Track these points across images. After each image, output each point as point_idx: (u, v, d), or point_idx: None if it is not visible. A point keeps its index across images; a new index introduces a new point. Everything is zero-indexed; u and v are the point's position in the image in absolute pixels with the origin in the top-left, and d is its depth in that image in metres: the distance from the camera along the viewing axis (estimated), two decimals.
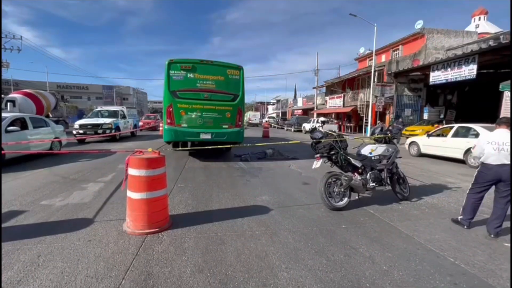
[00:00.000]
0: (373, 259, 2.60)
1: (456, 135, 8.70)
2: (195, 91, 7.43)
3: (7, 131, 6.83)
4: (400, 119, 19.39)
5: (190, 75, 7.39)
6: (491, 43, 12.43)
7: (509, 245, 2.96)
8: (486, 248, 2.90)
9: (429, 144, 9.55)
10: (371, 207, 4.11)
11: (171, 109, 7.33)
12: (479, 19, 31.31)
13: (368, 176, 4.14)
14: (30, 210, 3.70)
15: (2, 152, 6.25)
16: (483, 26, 29.58)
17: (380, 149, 4.37)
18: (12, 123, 7.18)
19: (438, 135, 9.52)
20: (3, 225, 3.19)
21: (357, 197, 4.35)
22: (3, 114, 7.67)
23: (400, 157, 4.71)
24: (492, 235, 3.15)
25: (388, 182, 4.34)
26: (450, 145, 8.68)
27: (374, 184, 4.13)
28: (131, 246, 2.74)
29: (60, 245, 2.73)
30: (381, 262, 2.55)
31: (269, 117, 45.28)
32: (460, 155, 8.23)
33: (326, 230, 3.25)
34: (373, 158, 4.31)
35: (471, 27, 29.91)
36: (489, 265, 2.57)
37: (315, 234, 3.15)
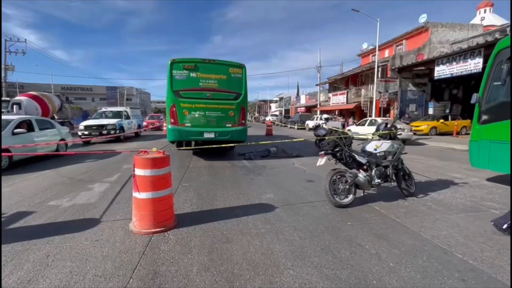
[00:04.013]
0: (380, 256, 2.59)
1: (369, 124, 14.36)
2: (198, 90, 7.44)
3: (13, 134, 6.93)
4: (407, 115, 19.13)
5: (193, 74, 7.40)
6: (497, 35, 12.23)
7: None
8: (495, 244, 2.86)
9: (356, 130, 14.53)
10: (377, 204, 4.08)
11: (174, 109, 7.36)
12: (485, 11, 30.78)
13: (373, 173, 4.11)
14: (38, 211, 3.75)
15: (9, 154, 6.34)
16: (489, 19, 29.08)
17: (385, 145, 4.33)
18: (18, 125, 7.28)
19: (361, 125, 15.49)
20: (12, 226, 3.25)
21: (362, 194, 4.33)
22: (10, 117, 7.78)
23: (406, 153, 4.66)
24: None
25: (394, 178, 4.30)
26: (366, 130, 13.77)
27: (379, 180, 4.10)
28: (137, 246, 2.76)
29: (68, 245, 2.77)
30: (388, 259, 2.53)
31: (271, 115, 45.39)
32: (370, 136, 12.69)
33: (332, 227, 3.24)
34: (378, 154, 4.27)
35: (476, 20, 29.43)
36: (497, 261, 2.53)
37: (321, 231, 3.14)
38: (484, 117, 5.15)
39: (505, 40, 5.03)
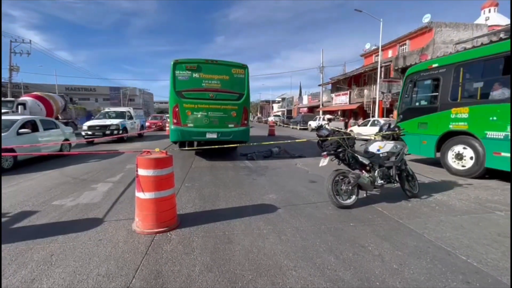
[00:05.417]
0: (383, 258, 2.57)
1: (371, 125, 15.23)
2: (200, 91, 7.46)
3: (18, 134, 7.00)
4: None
5: (195, 75, 7.43)
6: (502, 35, 12.07)
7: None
8: (500, 246, 2.83)
9: (358, 130, 15.48)
10: (380, 205, 4.06)
11: (177, 109, 7.39)
12: (489, 11, 30.53)
13: (376, 174, 4.09)
14: (42, 211, 3.78)
15: (14, 154, 6.41)
16: (494, 18, 28.84)
17: (388, 146, 4.31)
18: (23, 126, 7.36)
19: (363, 125, 16.21)
20: (16, 225, 3.28)
21: (365, 194, 4.31)
22: (15, 117, 7.86)
23: (409, 154, 4.63)
24: None
25: (397, 179, 4.27)
26: (369, 130, 14.51)
27: (382, 181, 4.08)
28: (140, 245, 2.77)
29: (72, 245, 2.79)
30: (391, 261, 2.52)
31: (274, 116, 45.43)
32: (373, 136, 13.17)
33: (334, 228, 3.23)
34: (381, 155, 4.25)
35: (481, 20, 29.20)
36: (502, 263, 2.51)
37: (323, 232, 3.13)
38: (400, 118, 7.60)
39: (411, 68, 7.51)
